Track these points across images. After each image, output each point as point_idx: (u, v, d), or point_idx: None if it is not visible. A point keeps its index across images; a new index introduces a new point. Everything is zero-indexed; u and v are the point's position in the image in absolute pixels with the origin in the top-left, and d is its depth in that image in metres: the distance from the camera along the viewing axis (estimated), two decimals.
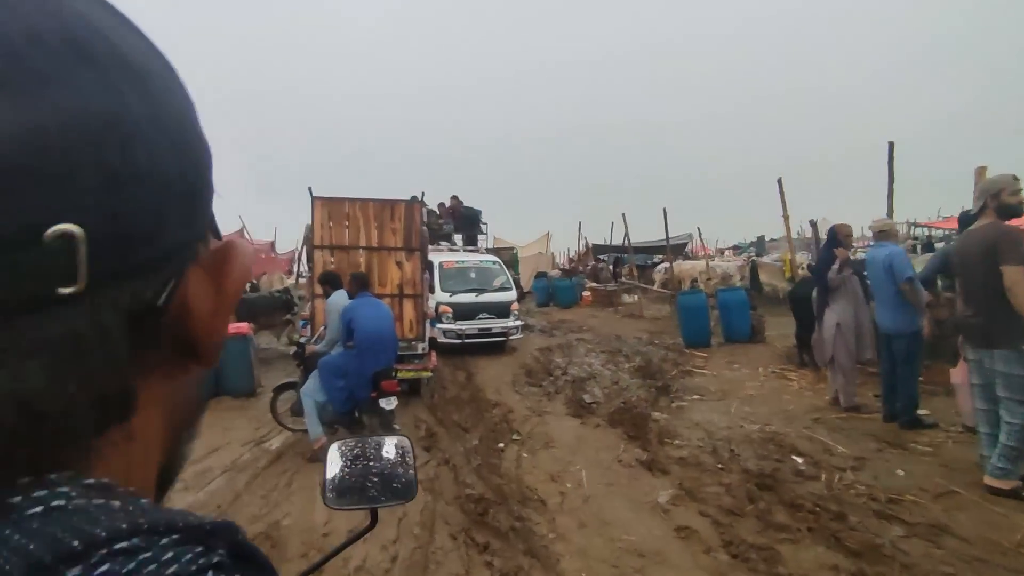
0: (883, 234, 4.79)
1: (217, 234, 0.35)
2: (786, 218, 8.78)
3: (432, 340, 7.13)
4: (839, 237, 5.18)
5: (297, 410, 5.31)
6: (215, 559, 0.25)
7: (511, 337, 9.95)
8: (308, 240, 6.74)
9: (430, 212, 10.84)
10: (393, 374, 5.09)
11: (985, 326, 3.51)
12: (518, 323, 10.17)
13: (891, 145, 7.11)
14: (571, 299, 17.88)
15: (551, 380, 7.80)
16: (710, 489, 3.94)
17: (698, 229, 14.74)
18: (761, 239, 28.87)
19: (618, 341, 10.73)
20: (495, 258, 11.52)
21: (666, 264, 20.57)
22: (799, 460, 4.26)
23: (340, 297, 5.16)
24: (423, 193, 7.15)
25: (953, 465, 4.00)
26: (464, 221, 11.99)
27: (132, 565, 0.22)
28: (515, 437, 5.44)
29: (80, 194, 0.24)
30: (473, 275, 10.35)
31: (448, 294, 9.64)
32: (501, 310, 9.96)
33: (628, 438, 5.12)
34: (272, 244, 17.89)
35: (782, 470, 4.15)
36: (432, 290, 9.20)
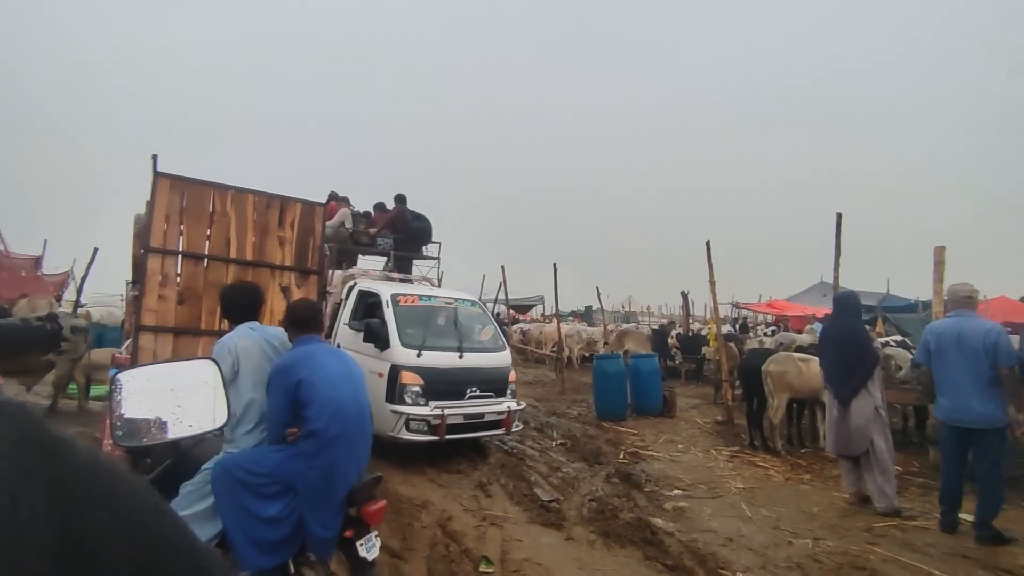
0: (969, 301, 4.05)
1: None
2: (712, 283, 8.21)
3: None
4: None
5: None
6: None
7: (512, 429, 6.16)
8: (141, 236, 4.12)
9: (356, 216, 7.69)
10: (375, 487, 2.74)
11: None
12: (520, 405, 6.31)
13: (839, 216, 6.90)
14: None
15: (468, 462, 5.88)
16: None
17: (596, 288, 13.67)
18: (589, 308, 30.07)
19: None
20: (469, 295, 7.34)
21: (522, 325, 19.86)
22: None
23: (251, 340, 2.63)
24: (336, 196, 4.95)
25: None
26: (413, 235, 8.35)
27: None
28: (486, 569, 3.49)
29: None
30: (443, 321, 6.39)
31: (414, 351, 5.64)
32: (497, 383, 6.14)
33: (667, 569, 3.51)
34: (38, 260, 13.12)
35: None
36: (383, 343, 5.70)
